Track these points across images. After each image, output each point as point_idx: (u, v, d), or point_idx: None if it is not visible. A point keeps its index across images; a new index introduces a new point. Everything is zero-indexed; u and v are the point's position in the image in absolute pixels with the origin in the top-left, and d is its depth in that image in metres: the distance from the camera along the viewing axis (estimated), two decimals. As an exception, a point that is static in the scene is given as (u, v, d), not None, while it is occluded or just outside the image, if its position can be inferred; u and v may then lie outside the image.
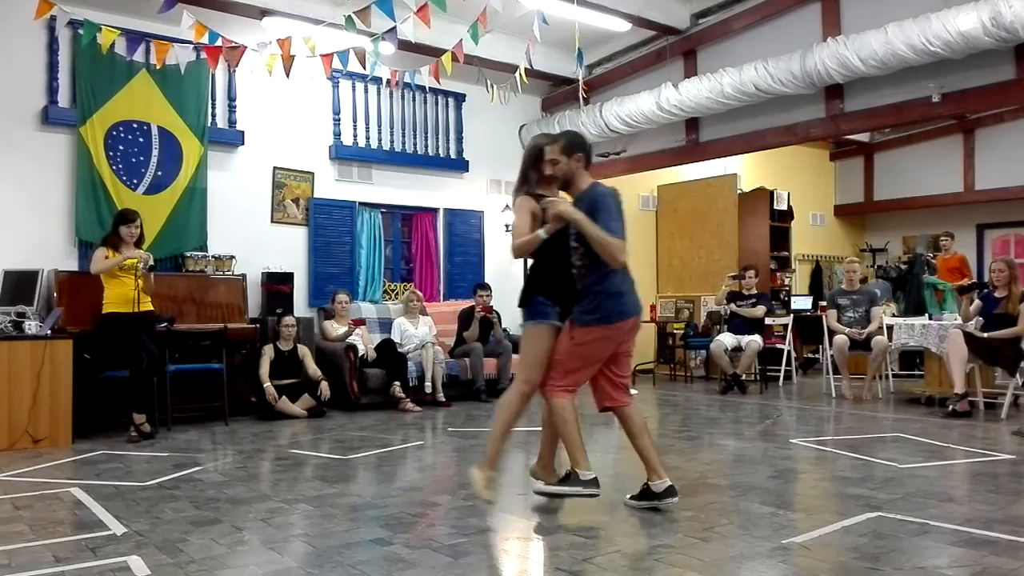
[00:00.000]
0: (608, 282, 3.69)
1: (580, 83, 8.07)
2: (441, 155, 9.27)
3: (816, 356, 10.54)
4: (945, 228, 10.75)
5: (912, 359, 9.68)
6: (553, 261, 3.87)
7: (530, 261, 4.08)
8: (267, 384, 6.88)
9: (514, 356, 8.33)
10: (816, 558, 3.05)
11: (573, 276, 3.78)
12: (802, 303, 10.36)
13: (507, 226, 9.46)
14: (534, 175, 3.97)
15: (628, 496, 3.88)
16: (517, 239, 3.89)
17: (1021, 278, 6.82)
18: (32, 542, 3.33)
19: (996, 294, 6.77)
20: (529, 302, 3.91)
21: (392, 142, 8.89)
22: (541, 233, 3.79)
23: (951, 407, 6.57)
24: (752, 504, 3.85)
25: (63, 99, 6.94)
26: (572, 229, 3.71)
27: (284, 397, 6.92)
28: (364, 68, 6.54)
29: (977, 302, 6.96)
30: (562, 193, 3.95)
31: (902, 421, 6.48)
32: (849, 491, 4.10)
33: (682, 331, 10.08)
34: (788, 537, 3.28)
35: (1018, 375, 6.64)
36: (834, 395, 7.99)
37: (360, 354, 7.52)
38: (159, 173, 7.34)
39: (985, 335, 6.67)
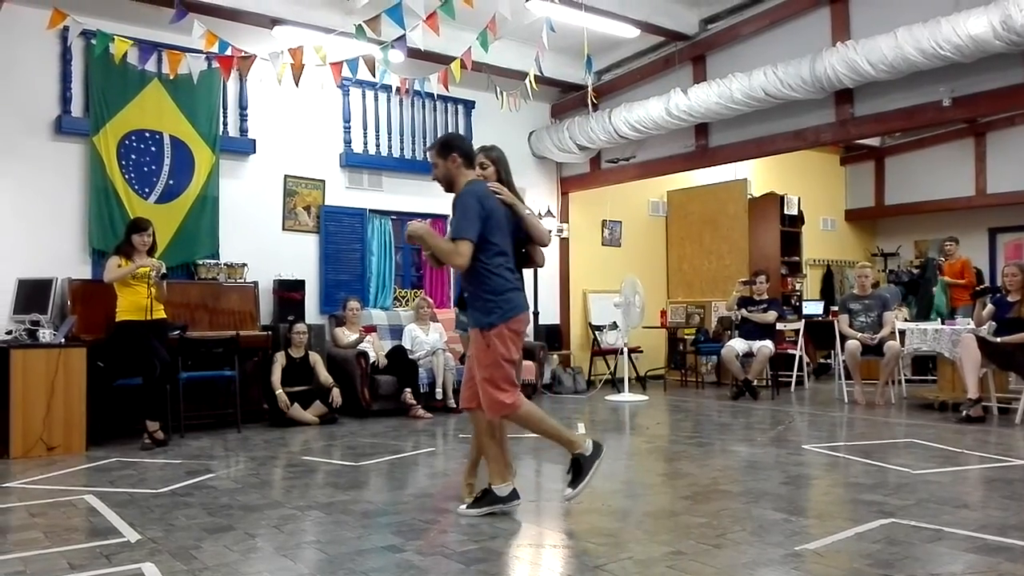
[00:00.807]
0: (495, 282, 3.69)
1: (589, 89, 8.09)
2: (451, 162, 9.27)
3: (829, 362, 10.50)
4: (958, 232, 10.69)
5: (925, 364, 9.62)
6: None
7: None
8: (279, 391, 6.90)
9: (525, 362, 8.34)
10: (829, 565, 3.03)
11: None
12: (813, 308, 10.33)
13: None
14: None
15: (464, 505, 3.87)
16: None
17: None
18: (47, 549, 3.35)
19: (1009, 298, 6.74)
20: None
21: (402, 149, 8.92)
22: (425, 252, 3.88)
23: (964, 412, 6.53)
24: (764, 510, 3.84)
25: (76, 109, 6.99)
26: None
27: (296, 404, 6.94)
28: (374, 76, 6.58)
29: (990, 306, 6.92)
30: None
31: (915, 426, 6.45)
32: (862, 497, 4.08)
33: (693, 337, 10.06)
34: (801, 544, 3.27)
35: (1032, 380, 6.61)
36: (846, 400, 7.96)
37: (371, 361, 7.53)
38: (171, 182, 7.39)
39: (998, 339, 6.64)
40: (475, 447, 4.06)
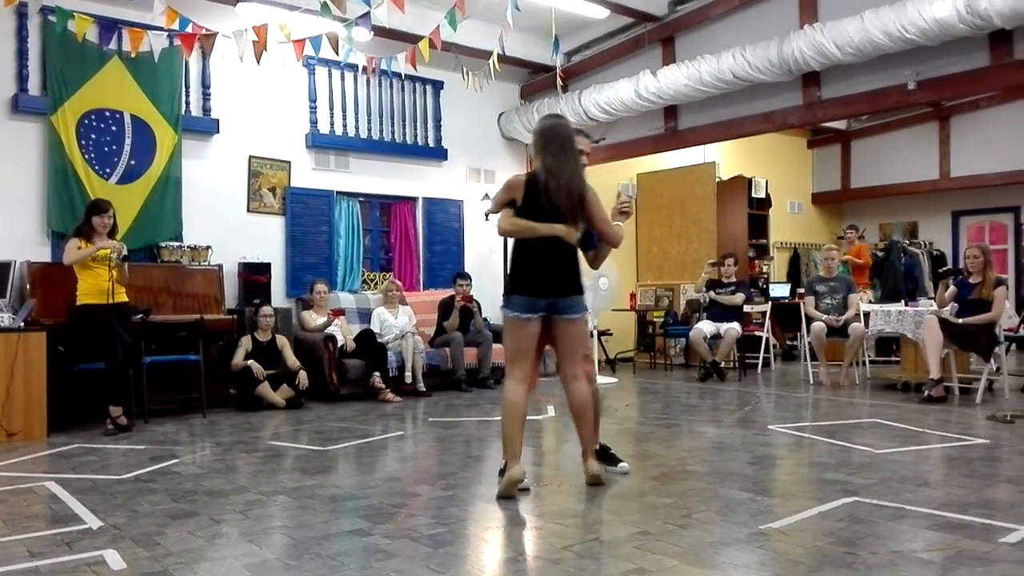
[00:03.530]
0: None
1: (557, 70, 8.05)
2: (419, 143, 9.21)
3: (795, 344, 10.62)
4: (922, 215, 10.83)
5: (888, 345, 9.77)
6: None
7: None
8: (250, 361, 6.81)
9: (495, 346, 8.33)
10: (793, 543, 3.07)
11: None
12: (780, 290, 10.43)
13: (487, 215, 9.42)
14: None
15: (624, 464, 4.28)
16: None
17: (995, 264, 6.91)
18: (6, 537, 3.28)
19: (970, 280, 6.84)
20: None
21: (369, 130, 8.82)
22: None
23: (926, 392, 6.64)
24: (730, 490, 3.87)
25: (33, 87, 6.81)
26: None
27: (265, 382, 6.86)
28: (337, 54, 6.47)
29: (952, 288, 7.03)
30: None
31: (878, 407, 6.54)
32: (826, 476, 4.13)
33: (661, 319, 10.10)
34: (766, 523, 3.30)
35: (992, 360, 6.73)
36: (811, 381, 8.05)
37: (339, 344, 7.47)
38: (132, 162, 7.24)
39: (960, 321, 6.74)
40: (588, 415, 4.10)
